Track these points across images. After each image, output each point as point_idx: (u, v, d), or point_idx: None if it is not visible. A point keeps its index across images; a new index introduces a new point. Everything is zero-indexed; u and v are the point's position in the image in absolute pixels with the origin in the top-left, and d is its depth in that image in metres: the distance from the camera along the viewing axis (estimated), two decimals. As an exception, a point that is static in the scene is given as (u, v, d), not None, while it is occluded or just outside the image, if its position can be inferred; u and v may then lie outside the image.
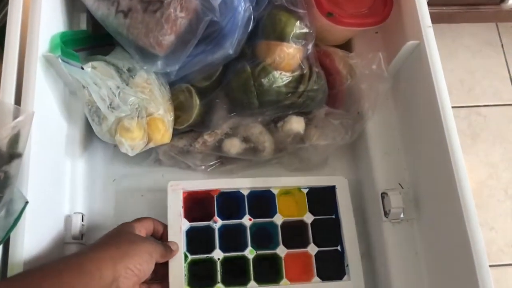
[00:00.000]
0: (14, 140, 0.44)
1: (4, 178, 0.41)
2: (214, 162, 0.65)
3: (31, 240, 0.46)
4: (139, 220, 0.55)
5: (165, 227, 0.58)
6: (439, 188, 0.55)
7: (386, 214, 0.59)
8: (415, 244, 0.58)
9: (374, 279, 0.61)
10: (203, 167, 0.64)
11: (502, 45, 1.39)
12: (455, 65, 1.39)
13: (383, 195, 0.59)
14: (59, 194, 0.56)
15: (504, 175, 1.26)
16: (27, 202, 0.43)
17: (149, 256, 0.50)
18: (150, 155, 0.64)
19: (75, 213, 0.57)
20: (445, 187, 0.52)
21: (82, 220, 0.57)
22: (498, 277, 1.18)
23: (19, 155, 0.43)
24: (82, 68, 0.53)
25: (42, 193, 0.49)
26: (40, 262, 0.47)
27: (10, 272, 0.44)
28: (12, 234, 0.45)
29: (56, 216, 0.54)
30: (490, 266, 0.49)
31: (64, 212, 0.56)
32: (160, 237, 0.58)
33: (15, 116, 0.47)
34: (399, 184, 0.61)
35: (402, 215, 0.59)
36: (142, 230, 0.54)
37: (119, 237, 0.50)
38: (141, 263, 0.48)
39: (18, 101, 0.49)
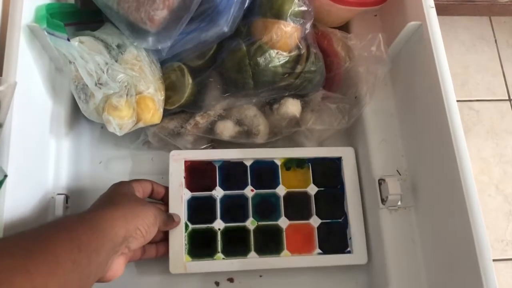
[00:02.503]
0: (-6, 111, 0.41)
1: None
2: (206, 145, 0.62)
3: (11, 218, 0.43)
4: (137, 180, 0.54)
5: (167, 189, 0.58)
6: (440, 175, 0.53)
7: (383, 201, 0.57)
8: (413, 232, 0.57)
9: (370, 266, 0.59)
10: (193, 150, 0.62)
11: (495, 40, 1.38)
12: (448, 59, 1.38)
13: (381, 181, 0.58)
14: (42, 173, 0.53)
15: (495, 170, 1.26)
16: (6, 176, 0.41)
17: (155, 219, 0.49)
18: (138, 137, 0.62)
19: (58, 194, 0.54)
20: (447, 174, 0.50)
21: (67, 202, 0.54)
22: (488, 272, 1.17)
23: (-1, 126, 0.41)
24: (68, 40, 0.50)
25: (24, 171, 0.47)
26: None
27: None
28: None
29: (39, 196, 0.52)
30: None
31: (48, 193, 0.53)
32: (161, 199, 0.57)
33: (-4, 87, 0.44)
34: (397, 170, 0.59)
35: (399, 203, 0.57)
36: (140, 190, 0.54)
37: (126, 196, 0.49)
38: (148, 225, 0.47)
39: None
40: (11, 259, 0.34)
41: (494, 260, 1.21)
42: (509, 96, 1.32)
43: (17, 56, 0.47)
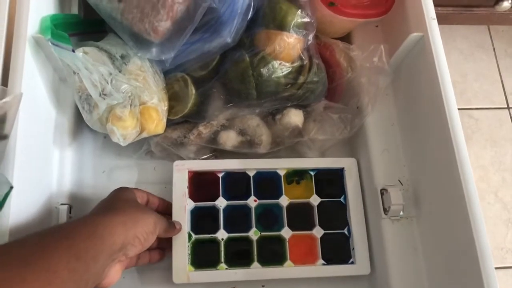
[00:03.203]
0: (0, 121, 0.41)
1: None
2: (208, 155, 0.63)
3: (16, 228, 0.43)
4: (135, 188, 0.55)
5: (161, 200, 0.58)
6: (442, 186, 0.53)
7: (385, 211, 0.57)
8: (415, 241, 0.57)
9: (372, 276, 0.59)
10: (196, 160, 0.62)
11: (493, 49, 1.39)
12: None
13: (383, 191, 0.58)
14: (46, 183, 0.53)
15: (494, 178, 1.26)
16: (11, 187, 0.41)
17: (154, 227, 0.49)
18: (141, 147, 0.62)
19: (62, 204, 0.54)
20: (448, 184, 0.51)
21: (70, 212, 0.54)
22: (487, 280, 1.18)
23: (4, 137, 0.41)
24: (73, 51, 0.50)
25: (28, 181, 0.47)
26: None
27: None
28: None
29: (42, 206, 0.52)
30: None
31: (51, 202, 0.54)
32: (155, 210, 0.57)
33: (1, 97, 0.44)
34: (399, 180, 0.59)
35: (401, 213, 0.57)
36: (141, 196, 0.54)
37: (127, 202, 0.50)
38: (147, 233, 0.47)
39: (4, 82, 0.46)
40: (8, 270, 0.35)
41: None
42: (507, 104, 1.33)
43: (22, 67, 0.47)
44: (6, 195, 0.40)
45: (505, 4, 1.10)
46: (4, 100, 0.43)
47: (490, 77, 1.36)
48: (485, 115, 1.31)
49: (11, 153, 0.43)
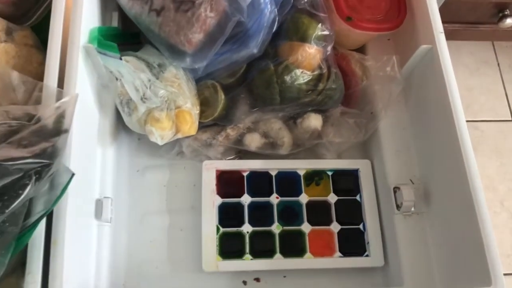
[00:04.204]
0: (60, 118, 0.47)
1: (52, 148, 0.44)
2: (234, 156, 0.68)
3: (70, 214, 0.49)
4: None
5: None
6: (450, 184, 0.58)
7: (398, 207, 0.62)
8: (425, 235, 0.62)
9: (386, 268, 0.64)
10: (223, 160, 0.67)
11: (498, 64, 1.45)
12: (453, 81, 1.45)
13: (395, 189, 0.63)
14: (92, 177, 0.59)
15: (500, 187, 1.31)
16: (73, 174, 0.46)
17: None
18: (173, 148, 0.67)
19: (105, 197, 0.59)
20: (456, 183, 0.56)
21: (111, 205, 0.60)
22: (494, 286, 1.21)
23: (65, 131, 0.46)
24: (120, 59, 0.56)
25: (79, 174, 0.52)
26: (75, 238, 0.50)
27: (53, 246, 0.46)
28: (55, 209, 0.47)
29: (90, 197, 0.57)
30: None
31: (95, 195, 0.59)
32: None
33: (58, 98, 0.50)
34: (410, 180, 0.64)
35: (413, 209, 0.62)
36: None
37: None
38: None
39: (60, 85, 0.52)
40: None
41: None
42: (512, 117, 1.38)
43: (76, 72, 0.53)
44: (68, 182, 0.46)
45: (508, 21, 1.16)
46: (63, 100, 0.49)
47: (495, 91, 1.41)
48: (490, 127, 1.36)
49: (69, 146, 0.49)
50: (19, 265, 0.47)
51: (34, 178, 0.42)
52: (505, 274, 1.23)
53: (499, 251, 1.28)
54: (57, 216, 0.48)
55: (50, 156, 0.44)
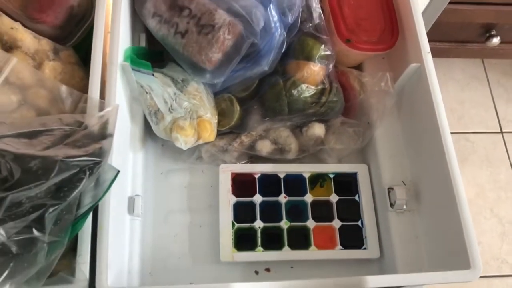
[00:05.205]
0: (105, 125, 0.56)
1: (101, 149, 0.53)
2: (247, 160, 0.77)
3: (112, 208, 0.57)
4: None
5: None
6: (437, 185, 0.66)
7: (391, 205, 0.71)
8: (416, 230, 0.70)
9: (381, 259, 0.72)
10: (237, 164, 0.76)
11: (487, 79, 1.55)
12: (446, 96, 1.54)
13: (389, 189, 0.71)
14: (125, 178, 0.67)
15: (490, 195, 1.39)
16: (118, 171, 0.55)
17: None
18: (193, 154, 0.76)
19: (136, 195, 0.68)
20: (442, 184, 0.63)
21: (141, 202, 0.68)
22: (484, 287, 1.29)
23: (110, 135, 0.55)
24: (153, 75, 0.65)
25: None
26: (115, 229, 0.59)
27: (99, 231, 0.55)
28: (100, 203, 0.56)
29: (125, 195, 0.66)
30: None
31: (128, 193, 0.68)
32: None
33: (100, 108, 0.59)
34: (402, 181, 0.73)
35: (405, 206, 0.70)
36: None
37: None
38: None
39: (101, 97, 0.61)
40: None
41: (490, 277, 1.36)
42: (500, 129, 1.47)
43: (115, 86, 0.62)
44: (114, 178, 0.55)
45: (494, 40, 1.25)
46: (107, 109, 0.58)
47: (484, 104, 1.51)
48: (480, 139, 1.45)
49: (111, 149, 0.57)
50: (70, 250, 0.55)
51: (88, 173, 0.51)
52: (495, 276, 1.31)
53: (488, 255, 1.37)
54: (102, 208, 0.56)
55: (100, 155, 0.53)
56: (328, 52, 0.72)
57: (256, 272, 0.72)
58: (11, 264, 0.45)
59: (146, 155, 0.75)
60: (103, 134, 0.56)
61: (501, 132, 1.47)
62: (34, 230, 0.47)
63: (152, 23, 0.72)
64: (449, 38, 1.30)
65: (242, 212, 0.73)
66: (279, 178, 0.75)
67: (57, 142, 0.53)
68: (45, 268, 0.48)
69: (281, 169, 0.76)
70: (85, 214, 0.53)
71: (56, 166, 0.48)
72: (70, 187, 0.50)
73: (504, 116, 1.50)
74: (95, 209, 0.56)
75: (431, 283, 0.58)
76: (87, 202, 0.54)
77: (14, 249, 0.45)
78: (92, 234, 0.55)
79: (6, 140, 0.51)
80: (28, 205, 0.48)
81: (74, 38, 0.70)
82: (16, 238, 0.46)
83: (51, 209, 0.48)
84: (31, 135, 0.53)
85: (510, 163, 1.43)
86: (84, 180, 0.51)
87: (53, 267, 0.49)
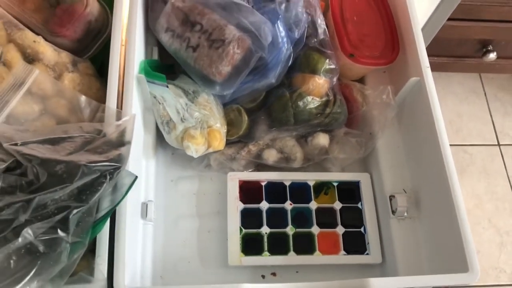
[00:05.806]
0: (122, 133, 0.59)
1: (120, 155, 0.56)
2: (254, 168, 0.80)
3: (128, 213, 0.60)
4: None
5: None
6: (436, 193, 0.69)
7: (393, 212, 0.74)
8: (416, 236, 0.73)
9: (383, 264, 0.75)
10: (245, 172, 0.79)
11: (485, 93, 1.59)
12: (444, 109, 1.58)
13: (391, 197, 0.75)
14: (139, 185, 0.70)
15: (487, 206, 1.43)
16: (136, 177, 0.58)
17: None
18: (202, 162, 0.79)
19: (149, 201, 0.71)
20: (441, 192, 0.66)
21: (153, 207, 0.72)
22: (483, 296, 1.32)
23: (128, 142, 0.59)
24: (167, 87, 0.69)
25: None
26: (131, 232, 0.61)
27: (117, 233, 0.58)
28: (117, 208, 0.59)
29: (138, 200, 0.69)
30: (476, 286, 0.63)
31: (141, 199, 0.71)
32: None
33: (118, 117, 0.63)
34: (403, 189, 0.76)
35: (406, 213, 0.73)
36: None
37: None
38: None
39: (118, 107, 0.64)
40: None
41: (488, 286, 1.39)
42: (498, 141, 1.51)
43: (132, 97, 0.65)
44: (132, 183, 0.58)
45: (491, 56, 1.30)
46: (125, 119, 0.61)
47: (482, 117, 1.55)
48: (478, 151, 1.49)
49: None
50: (88, 252, 0.58)
51: (108, 178, 0.54)
52: (494, 285, 1.34)
53: (487, 264, 1.40)
54: (119, 212, 0.59)
55: (119, 161, 0.56)
56: (333, 66, 0.75)
57: (263, 276, 0.74)
58: (39, 262, 0.48)
59: (157, 163, 0.78)
60: (121, 141, 0.59)
61: (498, 144, 1.51)
62: (59, 230, 0.50)
63: (165, 38, 0.75)
64: (448, 53, 1.34)
65: (249, 218, 0.76)
66: (285, 186, 0.79)
67: (79, 148, 0.56)
68: (68, 267, 0.51)
69: (287, 177, 0.79)
70: (104, 217, 0.56)
71: (79, 171, 0.52)
72: (91, 190, 0.53)
73: (501, 129, 1.53)
74: (113, 213, 0.59)
75: (431, 285, 0.61)
76: (105, 206, 0.57)
77: (41, 248, 0.48)
78: (110, 237, 0.58)
79: (31, 145, 0.55)
80: (52, 207, 0.51)
81: (91, 51, 0.73)
82: (42, 238, 0.49)
83: (74, 211, 0.51)
84: (54, 142, 0.56)
85: (507, 175, 1.47)
86: (105, 184, 0.54)
87: (75, 267, 0.52)
